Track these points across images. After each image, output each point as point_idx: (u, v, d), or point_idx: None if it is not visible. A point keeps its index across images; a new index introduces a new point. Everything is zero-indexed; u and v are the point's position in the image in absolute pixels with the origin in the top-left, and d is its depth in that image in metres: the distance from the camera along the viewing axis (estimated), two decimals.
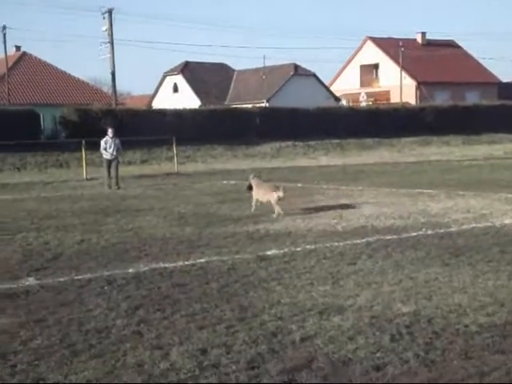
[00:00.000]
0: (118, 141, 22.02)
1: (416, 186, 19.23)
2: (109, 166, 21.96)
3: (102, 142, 21.98)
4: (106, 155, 21.91)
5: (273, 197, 13.76)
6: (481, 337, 5.80)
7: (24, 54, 60.42)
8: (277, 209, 13.69)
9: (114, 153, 21.89)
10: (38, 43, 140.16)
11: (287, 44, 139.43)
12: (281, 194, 13.67)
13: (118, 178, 21.92)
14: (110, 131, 22.12)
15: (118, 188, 21.32)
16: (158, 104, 59.60)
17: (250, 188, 14.87)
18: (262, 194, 14.22)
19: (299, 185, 21.05)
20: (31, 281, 8.28)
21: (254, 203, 14.38)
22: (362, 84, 72.40)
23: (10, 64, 54.64)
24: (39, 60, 60.28)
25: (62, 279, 8.34)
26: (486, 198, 15.68)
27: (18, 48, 60.84)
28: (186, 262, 9.17)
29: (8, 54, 54.49)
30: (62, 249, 10.51)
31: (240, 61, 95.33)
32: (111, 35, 47.50)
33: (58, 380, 5.09)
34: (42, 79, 57.61)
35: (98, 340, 5.94)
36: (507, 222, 12.00)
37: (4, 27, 51.80)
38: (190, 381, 5.02)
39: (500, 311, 6.51)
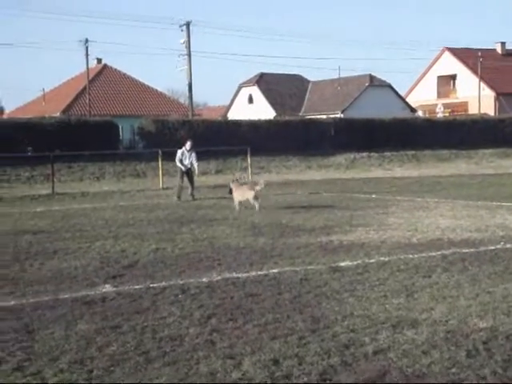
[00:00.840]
0: (194, 154, 21.94)
1: (494, 198, 18.78)
2: (182, 176, 22.01)
3: (179, 153, 22.02)
4: (181, 166, 22.03)
5: (250, 195, 16.54)
6: None
7: (105, 66, 62.06)
8: (257, 205, 16.53)
9: (189, 165, 22.00)
10: (118, 55, 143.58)
11: (363, 55, 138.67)
12: (258, 188, 16.66)
13: (193, 189, 22.02)
14: (188, 144, 22.03)
15: (193, 199, 21.41)
16: (233, 115, 60.18)
17: (231, 192, 17.48)
18: (242, 195, 16.93)
19: (373, 196, 20.86)
20: (108, 288, 8.45)
21: (236, 204, 16.97)
22: (439, 95, 71.30)
23: (92, 76, 56.18)
24: (119, 72, 61.82)
25: (137, 287, 8.48)
26: None
27: (99, 61, 62.52)
28: (259, 272, 9.19)
29: (90, 66, 56.04)
30: (138, 257, 10.70)
31: (315, 72, 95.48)
32: (189, 47, 48.28)
33: None
34: (121, 91, 59.07)
35: (171, 348, 6.01)
36: None
37: (86, 40, 53.31)
38: None
39: None
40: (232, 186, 17.65)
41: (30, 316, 7.18)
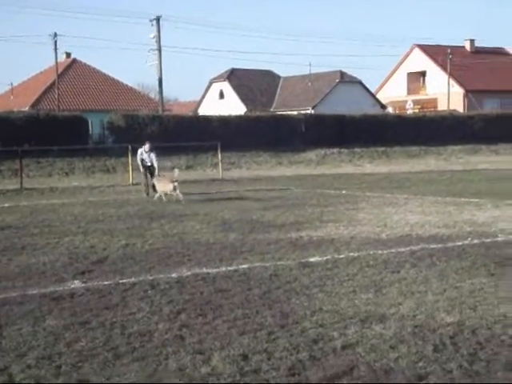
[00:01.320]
0: (153, 155, 21.95)
1: (462, 194, 18.98)
2: (146, 174, 22.05)
3: (139, 153, 22.15)
4: (140, 166, 22.09)
5: (169, 187, 18.69)
6: None
7: (74, 60, 61.41)
8: (180, 196, 18.45)
9: (149, 163, 22.01)
10: (88, 49, 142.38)
11: (333, 51, 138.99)
12: (175, 182, 18.54)
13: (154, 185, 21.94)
14: (147, 146, 22.09)
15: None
16: (204, 110, 60.01)
17: (155, 188, 19.86)
18: (163, 187, 19.12)
19: (344, 192, 20.97)
20: (77, 284, 8.40)
21: (162, 195, 19.15)
22: (409, 91, 71.81)
23: (61, 70, 55.55)
24: (89, 66, 61.19)
25: (106, 282, 8.45)
26: None
27: (68, 55, 61.80)
28: (229, 268, 9.20)
29: (59, 60, 55.40)
30: (108, 253, 10.65)
31: (286, 68, 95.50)
32: (159, 42, 48.03)
33: (100, 381, 5.15)
34: (91, 85, 58.47)
35: (140, 343, 6.00)
36: None
37: (55, 34, 52.69)
38: None
39: None
40: (154, 180, 20.02)
41: None
